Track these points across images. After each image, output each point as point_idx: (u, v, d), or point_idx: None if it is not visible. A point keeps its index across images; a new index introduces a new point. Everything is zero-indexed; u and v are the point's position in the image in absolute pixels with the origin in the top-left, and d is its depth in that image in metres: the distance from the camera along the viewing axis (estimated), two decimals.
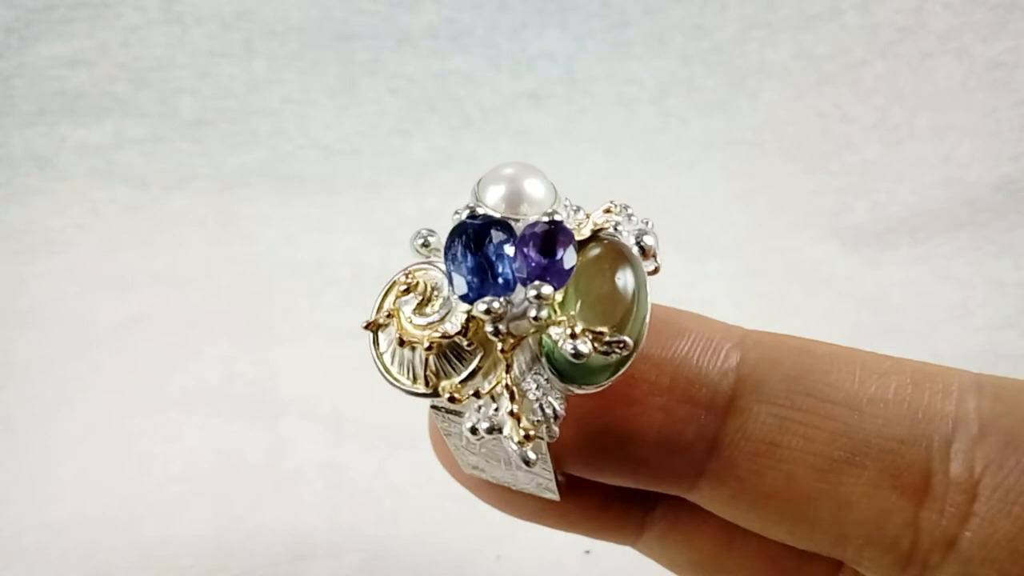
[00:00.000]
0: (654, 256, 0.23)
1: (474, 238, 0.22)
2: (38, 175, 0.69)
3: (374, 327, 0.24)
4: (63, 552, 0.48)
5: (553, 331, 0.21)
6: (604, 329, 0.21)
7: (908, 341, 0.61)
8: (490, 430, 0.22)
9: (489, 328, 0.22)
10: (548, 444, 0.23)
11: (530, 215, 0.22)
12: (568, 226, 0.22)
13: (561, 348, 0.21)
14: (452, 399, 0.22)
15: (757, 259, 0.68)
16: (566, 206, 0.23)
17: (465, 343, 0.23)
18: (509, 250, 0.22)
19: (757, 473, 0.23)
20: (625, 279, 0.22)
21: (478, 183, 0.23)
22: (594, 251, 0.23)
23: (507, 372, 0.22)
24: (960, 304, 0.63)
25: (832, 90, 0.73)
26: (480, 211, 0.22)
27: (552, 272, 0.21)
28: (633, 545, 0.30)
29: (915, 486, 0.22)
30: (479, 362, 0.23)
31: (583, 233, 0.23)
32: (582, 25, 0.75)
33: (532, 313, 0.21)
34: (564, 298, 0.22)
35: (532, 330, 0.22)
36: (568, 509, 0.29)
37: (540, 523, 0.30)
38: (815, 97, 0.73)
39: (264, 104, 0.73)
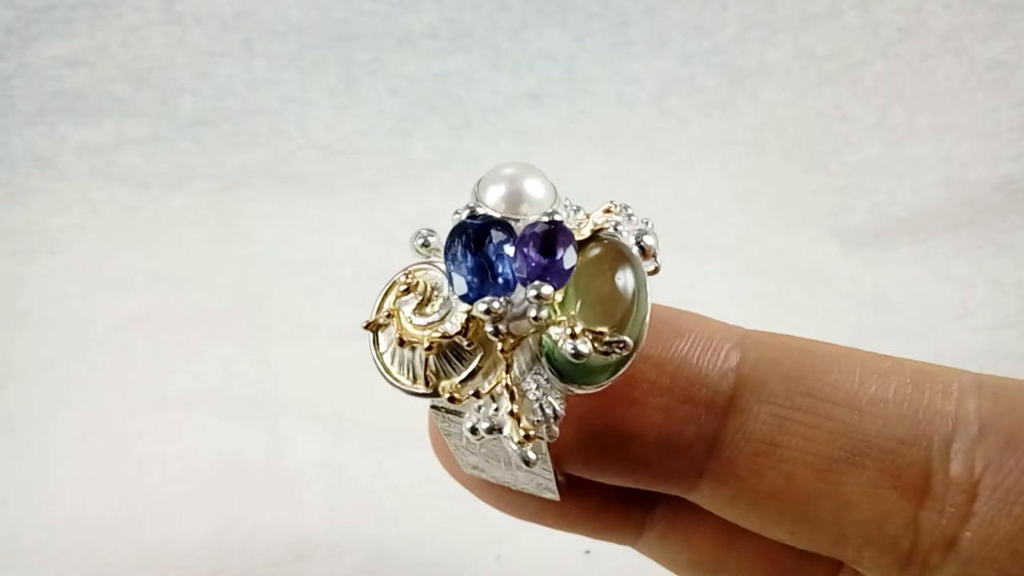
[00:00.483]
0: (654, 256, 0.23)
1: (474, 238, 0.22)
2: (38, 175, 0.69)
3: (374, 327, 0.24)
4: (63, 552, 0.48)
5: (553, 331, 0.21)
6: (604, 329, 0.21)
7: (908, 341, 0.61)
8: (490, 430, 0.22)
9: (489, 328, 0.22)
10: (548, 444, 0.23)
11: (530, 215, 0.22)
12: (568, 226, 0.22)
13: (561, 348, 0.21)
14: (452, 399, 0.22)
15: (757, 259, 0.68)
16: (566, 206, 0.23)
17: (465, 343, 0.23)
18: (509, 250, 0.22)
19: (757, 473, 0.23)
20: (625, 279, 0.22)
21: (478, 183, 0.23)
22: (594, 251, 0.23)
23: (507, 372, 0.22)
24: (960, 304, 0.63)
25: (832, 90, 0.73)
26: (480, 211, 0.22)
27: (552, 272, 0.21)
28: (633, 545, 0.30)
29: (915, 486, 0.22)
30: (479, 362, 0.23)
31: (583, 233, 0.23)
32: (582, 25, 0.75)
33: (532, 313, 0.21)
34: (564, 298, 0.22)
35: (532, 330, 0.22)
36: (568, 509, 0.29)
37: (540, 523, 0.30)
38: (815, 97, 0.73)
39: (264, 104, 0.73)
